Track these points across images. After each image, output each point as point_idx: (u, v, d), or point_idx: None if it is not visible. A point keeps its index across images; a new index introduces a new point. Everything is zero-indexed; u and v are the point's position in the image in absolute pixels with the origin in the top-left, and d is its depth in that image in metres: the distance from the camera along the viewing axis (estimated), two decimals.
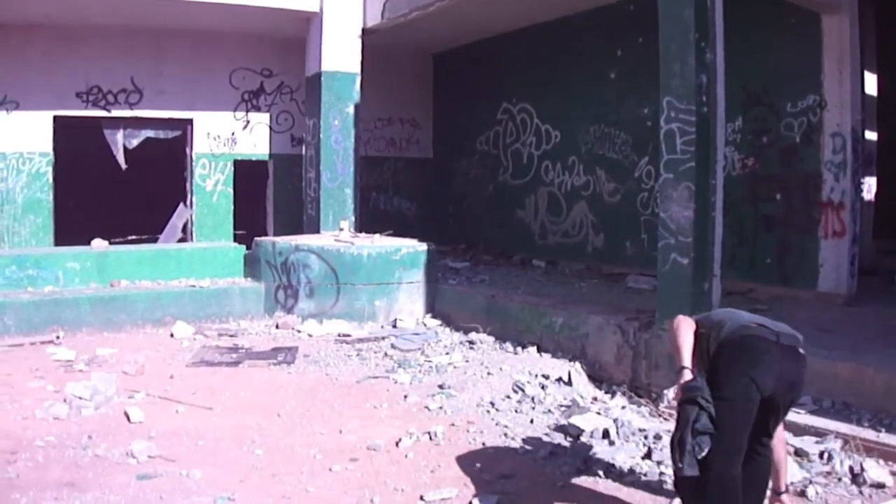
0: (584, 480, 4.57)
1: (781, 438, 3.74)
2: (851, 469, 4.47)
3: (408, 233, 11.42)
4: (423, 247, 9.94)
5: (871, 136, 10.06)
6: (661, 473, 4.51)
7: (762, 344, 3.46)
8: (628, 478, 4.54)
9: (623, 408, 6.04)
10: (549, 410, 5.97)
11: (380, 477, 4.61)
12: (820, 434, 4.90)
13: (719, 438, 3.33)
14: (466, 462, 4.86)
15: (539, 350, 7.70)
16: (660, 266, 6.71)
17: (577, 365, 7.01)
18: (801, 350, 3.53)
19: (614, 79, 11.19)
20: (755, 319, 3.63)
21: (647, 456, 4.82)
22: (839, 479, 4.43)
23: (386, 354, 7.85)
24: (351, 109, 12.04)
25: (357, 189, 12.27)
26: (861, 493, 4.30)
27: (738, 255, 9.01)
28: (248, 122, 13.48)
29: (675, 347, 3.69)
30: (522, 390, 6.34)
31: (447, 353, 7.77)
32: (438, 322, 9.38)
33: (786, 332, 3.53)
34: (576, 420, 5.42)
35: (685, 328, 3.70)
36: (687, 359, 3.60)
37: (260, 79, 13.53)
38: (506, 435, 5.40)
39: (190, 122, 13.06)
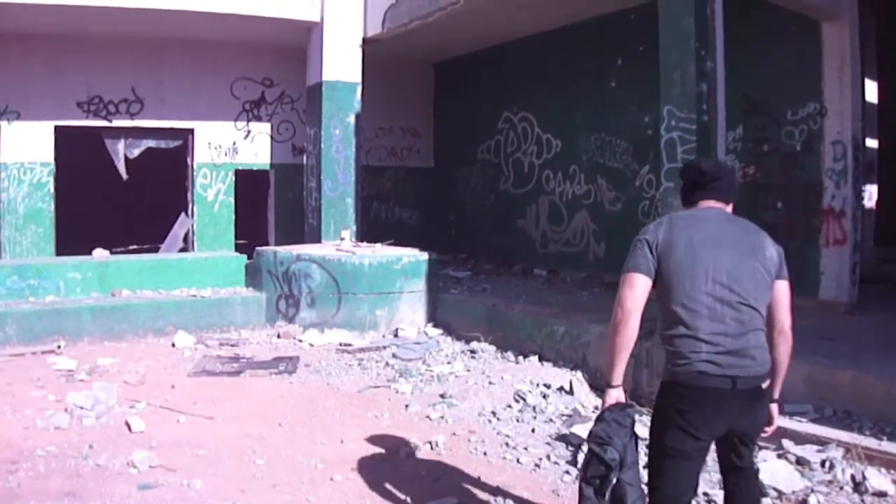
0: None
1: (787, 336, 3.12)
2: (853, 477, 4.47)
3: (409, 242, 11.43)
4: (425, 256, 9.94)
5: (871, 143, 10.09)
6: None
7: (713, 397, 2.89)
8: None
9: None
10: (551, 420, 5.96)
11: (381, 487, 4.60)
12: (821, 442, 4.89)
13: (654, 486, 2.99)
14: (467, 471, 4.85)
15: (540, 359, 7.69)
16: None
17: (579, 374, 7.00)
18: (762, 385, 3.00)
19: (615, 87, 11.21)
20: (713, 342, 2.90)
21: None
22: (841, 488, 4.43)
23: (387, 364, 7.84)
24: (352, 119, 12.07)
25: (358, 198, 12.29)
26: (863, 501, 4.29)
27: None
28: (249, 131, 13.51)
29: (610, 356, 3.13)
30: (524, 400, 6.34)
31: (448, 363, 7.77)
32: (440, 331, 9.36)
33: (743, 375, 2.88)
34: (577, 429, 5.41)
35: (626, 329, 3.06)
36: (618, 376, 3.10)
37: (261, 88, 13.56)
38: (507, 444, 5.40)
39: (191, 131, 13.08)
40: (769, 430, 3.24)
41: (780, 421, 5.11)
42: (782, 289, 3.12)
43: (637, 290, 3.07)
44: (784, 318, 3.11)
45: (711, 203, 3.21)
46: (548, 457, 5.11)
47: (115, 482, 4.55)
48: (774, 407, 3.23)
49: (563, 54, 12.12)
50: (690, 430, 2.90)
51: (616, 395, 3.12)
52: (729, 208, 3.27)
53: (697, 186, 3.22)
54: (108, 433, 5.52)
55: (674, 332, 3.00)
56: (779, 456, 4.82)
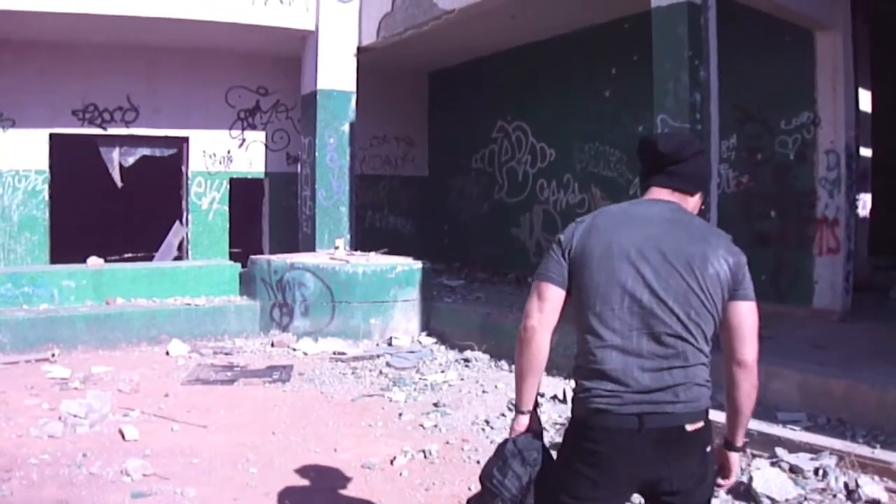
0: None
1: (749, 371, 2.39)
2: (846, 485, 4.47)
3: (403, 251, 11.44)
4: (419, 265, 9.93)
5: (865, 152, 10.13)
6: None
7: (616, 440, 2.31)
8: None
9: None
10: (544, 429, 5.94)
11: (374, 495, 4.60)
12: (815, 450, 4.89)
13: None
14: (461, 480, 4.85)
15: None
16: None
17: (572, 383, 6.98)
18: (689, 427, 2.31)
19: (609, 97, 11.25)
20: (622, 379, 2.34)
21: None
22: (834, 496, 4.42)
23: (381, 372, 7.84)
24: (346, 128, 12.09)
25: (352, 207, 12.29)
26: None
27: None
28: (243, 140, 13.51)
29: (516, 378, 2.62)
30: None
31: (442, 372, 7.77)
32: (433, 340, 9.35)
33: (655, 412, 2.29)
34: None
35: (529, 351, 2.57)
36: (527, 400, 2.59)
37: (256, 97, 13.57)
38: None
39: (186, 140, 13.09)
40: (724, 482, 2.58)
41: (774, 430, 5.17)
42: (742, 312, 2.38)
43: (546, 302, 2.47)
44: (745, 348, 2.38)
45: (664, 193, 2.49)
46: None
47: (108, 490, 4.54)
48: (735, 456, 2.54)
49: (557, 64, 12.15)
50: (583, 478, 2.35)
51: (524, 421, 2.59)
52: (692, 201, 2.53)
53: (653, 169, 2.52)
54: (101, 441, 5.50)
55: (580, 361, 2.51)
56: (772, 464, 4.82)
